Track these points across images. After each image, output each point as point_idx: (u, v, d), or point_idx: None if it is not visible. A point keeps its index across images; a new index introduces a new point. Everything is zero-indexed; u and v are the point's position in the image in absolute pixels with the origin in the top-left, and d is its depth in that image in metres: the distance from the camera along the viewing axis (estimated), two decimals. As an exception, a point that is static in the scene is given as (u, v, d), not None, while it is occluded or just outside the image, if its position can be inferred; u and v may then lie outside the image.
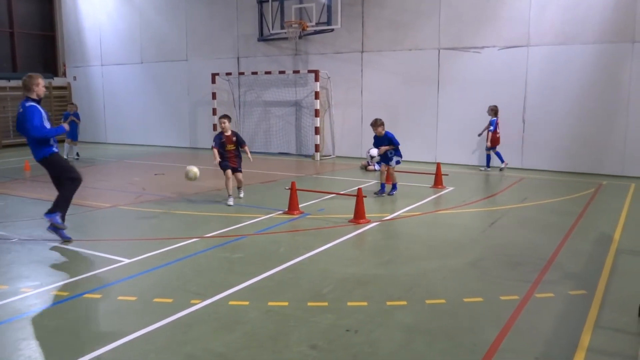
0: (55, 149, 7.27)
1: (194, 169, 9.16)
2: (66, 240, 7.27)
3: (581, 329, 4.53)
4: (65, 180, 7.27)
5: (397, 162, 10.47)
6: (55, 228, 7.25)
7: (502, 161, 13.49)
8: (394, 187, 10.43)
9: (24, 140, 7.75)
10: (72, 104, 17.51)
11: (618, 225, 8.07)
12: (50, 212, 7.21)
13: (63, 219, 7.30)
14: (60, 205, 7.25)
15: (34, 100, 7.18)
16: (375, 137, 10.48)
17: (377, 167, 13.08)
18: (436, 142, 15.12)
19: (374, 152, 11.33)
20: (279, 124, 17.83)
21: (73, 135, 16.18)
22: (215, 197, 10.16)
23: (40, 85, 7.19)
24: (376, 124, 10.36)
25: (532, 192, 10.82)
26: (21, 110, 7.10)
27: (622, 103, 12.73)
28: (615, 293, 5.36)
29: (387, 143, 10.26)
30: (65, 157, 14.02)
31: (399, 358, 4.10)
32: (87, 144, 20.33)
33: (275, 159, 16.46)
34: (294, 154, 17.48)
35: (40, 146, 7.14)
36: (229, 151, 9.83)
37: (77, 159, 16.40)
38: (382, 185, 10.37)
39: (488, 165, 13.82)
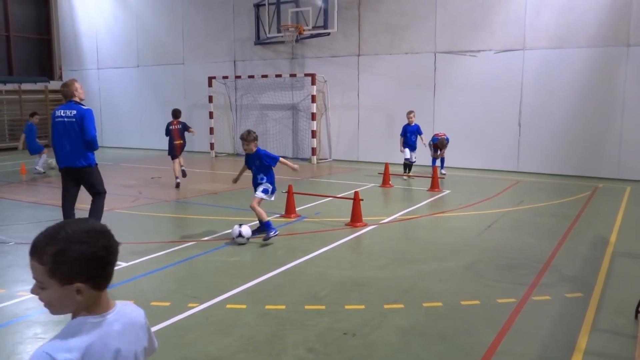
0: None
1: None
2: None
3: (578, 332, 4.54)
4: (101, 193, 7.50)
5: (265, 192, 7.28)
6: None
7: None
8: (268, 227, 7.20)
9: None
10: (36, 114, 14.96)
11: (614, 228, 8.10)
12: None
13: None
14: (98, 217, 7.32)
15: (78, 102, 7.18)
16: (247, 156, 7.55)
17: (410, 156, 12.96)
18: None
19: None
20: (276, 127, 17.84)
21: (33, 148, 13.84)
22: (213, 201, 10.15)
23: (79, 89, 7.25)
24: (248, 137, 7.33)
25: (528, 195, 10.85)
26: (75, 112, 7.01)
27: (617, 106, 12.79)
28: (612, 295, 5.37)
29: (259, 163, 7.39)
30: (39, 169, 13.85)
31: (396, 361, 4.10)
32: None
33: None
34: (290, 157, 17.46)
35: (89, 153, 7.20)
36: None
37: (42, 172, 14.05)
38: (267, 225, 7.28)
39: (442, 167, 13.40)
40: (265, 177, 7.39)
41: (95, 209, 7.39)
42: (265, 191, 7.34)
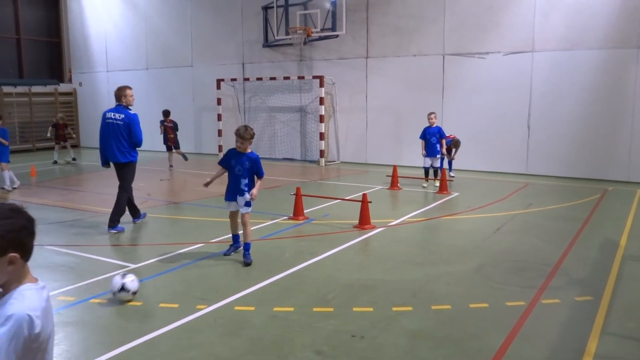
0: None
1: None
2: (119, 230, 8.20)
3: (587, 335, 4.51)
4: (126, 189, 8.35)
5: (249, 205, 6.58)
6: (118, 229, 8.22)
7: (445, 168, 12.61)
8: (248, 249, 6.56)
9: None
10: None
11: (624, 231, 8.04)
12: (112, 226, 8.12)
13: (118, 221, 8.25)
14: (119, 213, 8.27)
15: (126, 106, 8.22)
16: (238, 154, 6.57)
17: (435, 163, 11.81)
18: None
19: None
20: (284, 129, 17.86)
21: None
22: (221, 203, 10.17)
23: (129, 95, 8.23)
24: (245, 135, 6.47)
25: (537, 197, 10.79)
26: (123, 116, 8.08)
27: (628, 109, 12.71)
28: (622, 299, 5.34)
29: (248, 166, 6.47)
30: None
31: (405, 364, 4.09)
32: (93, 150, 20.36)
33: (280, 165, 16.48)
34: (298, 159, 17.49)
35: (132, 150, 8.24)
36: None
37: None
38: (235, 238, 6.83)
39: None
40: (248, 185, 6.49)
41: (124, 197, 8.37)
42: (248, 204, 6.53)
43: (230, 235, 6.95)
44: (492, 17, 14.07)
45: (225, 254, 6.76)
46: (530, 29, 13.62)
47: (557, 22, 13.27)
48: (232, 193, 6.57)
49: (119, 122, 8.10)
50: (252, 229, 7.81)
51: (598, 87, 12.98)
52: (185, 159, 15.56)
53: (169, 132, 15.34)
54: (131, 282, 5.20)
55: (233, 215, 6.75)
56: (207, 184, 6.88)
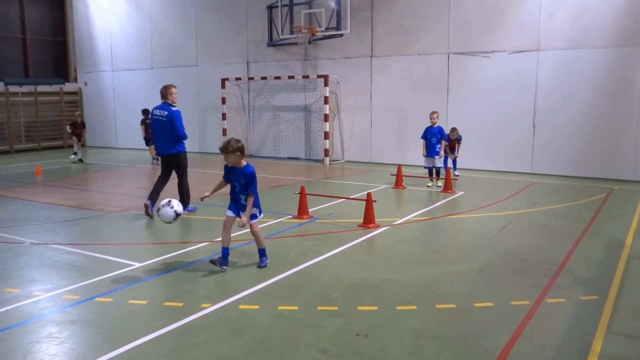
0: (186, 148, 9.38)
1: None
2: (190, 210, 9.38)
3: (593, 335, 4.49)
4: (182, 177, 9.27)
5: (255, 218, 6.35)
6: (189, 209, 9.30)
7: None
8: (264, 254, 6.46)
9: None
10: None
11: (630, 231, 8.01)
12: (184, 208, 8.74)
13: (188, 203, 9.26)
14: (188, 197, 9.28)
15: (174, 105, 9.16)
16: (232, 169, 6.31)
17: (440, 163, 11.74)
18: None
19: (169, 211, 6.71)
20: (289, 128, 17.87)
21: None
22: (225, 202, 10.18)
23: (174, 93, 9.20)
24: (226, 149, 6.14)
25: (543, 197, 10.76)
26: (166, 113, 9.01)
27: (633, 107, 12.65)
28: (628, 298, 5.32)
29: (244, 182, 6.18)
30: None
31: (409, 363, 4.09)
32: (98, 149, 20.49)
33: (284, 164, 16.49)
34: (303, 158, 17.50)
35: (177, 142, 9.14)
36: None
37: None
38: (224, 252, 6.27)
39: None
40: (245, 199, 6.20)
41: (180, 188, 9.30)
42: (254, 217, 6.30)
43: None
44: (498, 16, 14.03)
45: (211, 261, 6.21)
46: (535, 28, 13.57)
47: (563, 21, 13.23)
48: (235, 207, 6.33)
49: (163, 118, 9.02)
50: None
51: (604, 86, 12.93)
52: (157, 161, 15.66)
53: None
54: (178, 205, 5.90)
55: (228, 223, 6.27)
56: (203, 198, 6.47)
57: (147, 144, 16.48)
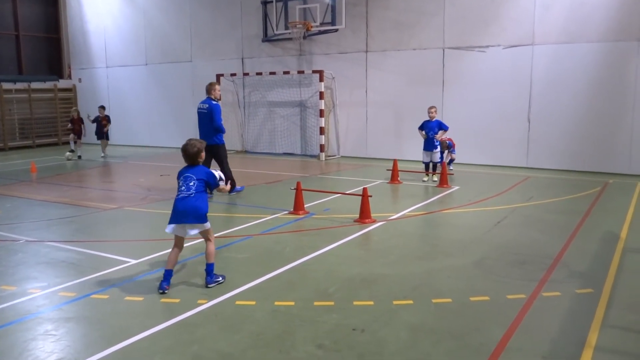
0: (224, 141, 10.40)
1: None
2: (238, 191, 10.56)
3: (588, 328, 4.52)
4: (223, 165, 10.26)
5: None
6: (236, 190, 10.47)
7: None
8: (211, 271, 5.60)
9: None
10: None
11: (625, 224, 8.04)
12: (232, 190, 10.15)
13: (234, 186, 10.45)
14: (232, 181, 10.22)
15: (215, 100, 10.26)
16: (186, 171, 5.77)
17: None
18: (441, 141, 15.08)
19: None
20: (284, 124, 17.84)
21: None
22: (220, 198, 10.18)
23: (217, 90, 10.36)
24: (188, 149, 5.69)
25: (538, 191, 10.79)
26: (207, 106, 10.14)
27: (628, 101, 12.68)
28: (623, 291, 5.34)
29: (204, 176, 5.69)
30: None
31: (405, 357, 4.10)
32: (93, 145, 20.39)
33: (280, 159, 16.47)
34: (298, 154, 17.49)
35: (216, 135, 10.13)
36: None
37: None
38: (167, 275, 5.49)
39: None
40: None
41: (224, 173, 9.56)
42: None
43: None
44: (493, 10, 14.03)
45: (160, 290, 5.43)
46: (530, 22, 13.58)
47: (558, 15, 13.23)
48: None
49: (204, 111, 10.15)
50: (252, 223, 7.81)
51: (598, 80, 12.95)
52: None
53: (104, 123, 17.36)
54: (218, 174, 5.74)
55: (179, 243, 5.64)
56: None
57: (99, 138, 17.49)
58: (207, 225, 5.61)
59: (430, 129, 11.66)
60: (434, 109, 11.79)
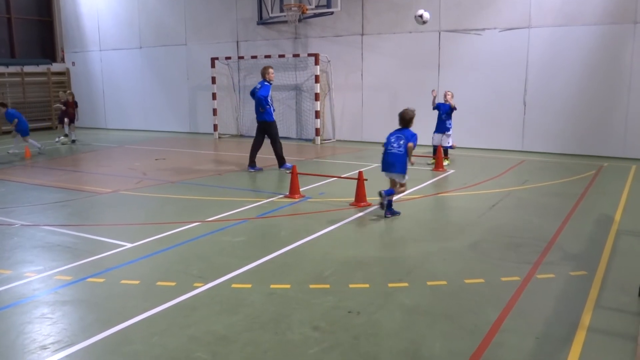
0: (274, 119, 11.37)
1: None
2: (288, 168, 10.68)
3: (582, 309, 4.56)
4: (274, 141, 11.24)
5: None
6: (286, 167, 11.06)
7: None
8: (389, 206, 7.68)
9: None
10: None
11: (619, 207, 8.08)
12: (281, 165, 11.28)
13: (285, 161, 11.30)
14: (282, 158, 11.27)
15: (267, 82, 11.18)
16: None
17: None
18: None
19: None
20: (279, 108, 17.73)
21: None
22: (217, 182, 10.17)
23: (270, 73, 11.26)
24: (405, 115, 8.07)
25: (533, 174, 10.82)
26: (259, 86, 11.14)
27: (624, 84, 12.68)
28: (616, 273, 5.39)
29: (410, 136, 7.74)
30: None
31: (401, 339, 4.13)
32: (87, 129, 20.31)
33: (275, 144, 16.41)
34: (294, 138, 17.44)
35: (266, 113, 11.12)
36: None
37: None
38: (389, 191, 7.57)
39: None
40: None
41: (274, 149, 11.33)
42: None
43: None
44: (489, -7, 13.93)
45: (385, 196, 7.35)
46: (526, 5, 13.50)
47: (554, -3, 13.16)
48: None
49: (256, 89, 11.17)
50: (248, 207, 7.77)
51: (594, 63, 12.92)
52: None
53: (72, 107, 17.25)
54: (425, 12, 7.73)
55: None
56: None
57: (72, 121, 17.32)
58: (406, 177, 7.50)
59: (444, 111, 11.82)
60: (450, 93, 11.97)
